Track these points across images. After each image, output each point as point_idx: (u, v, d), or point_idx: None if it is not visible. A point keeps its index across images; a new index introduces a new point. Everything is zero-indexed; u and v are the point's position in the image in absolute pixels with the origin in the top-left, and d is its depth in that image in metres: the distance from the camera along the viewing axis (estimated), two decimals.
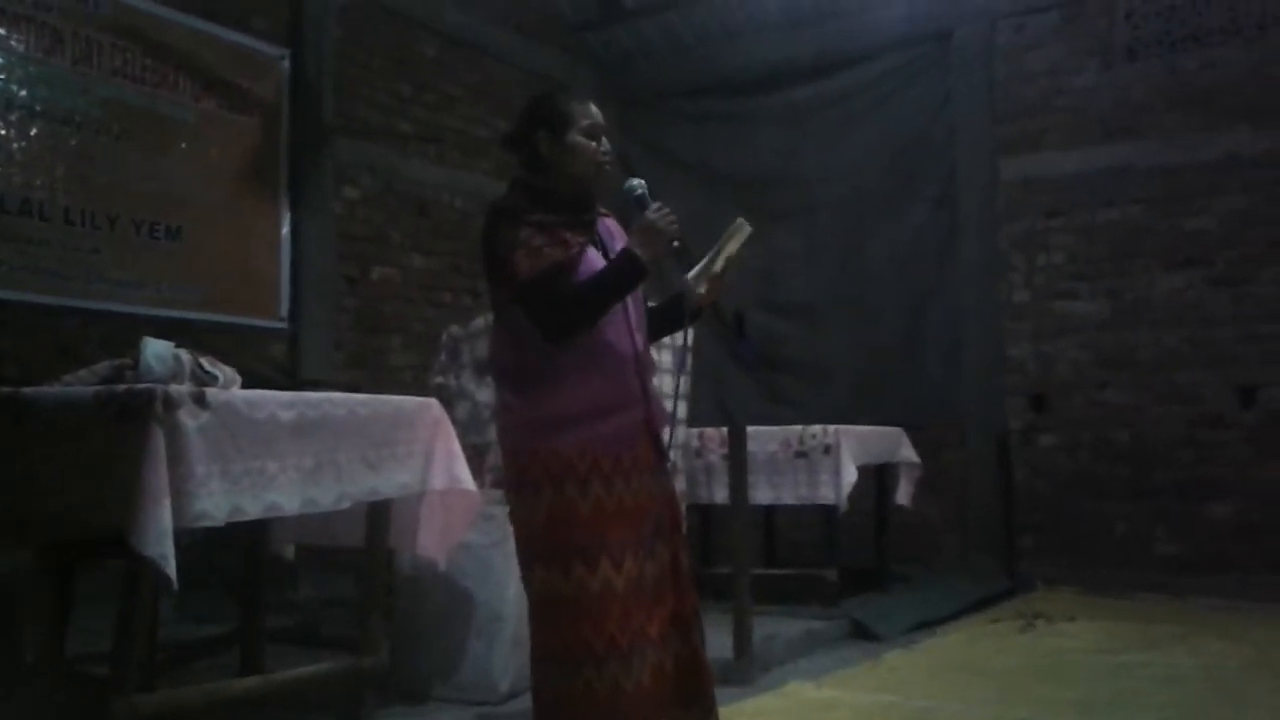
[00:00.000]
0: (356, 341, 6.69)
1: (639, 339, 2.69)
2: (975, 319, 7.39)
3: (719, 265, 2.67)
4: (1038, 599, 6.33)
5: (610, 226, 2.79)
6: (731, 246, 2.68)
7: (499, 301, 2.67)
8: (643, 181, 2.67)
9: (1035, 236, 7.27)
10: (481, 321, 5.00)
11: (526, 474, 2.62)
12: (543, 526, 2.58)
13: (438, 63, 7.41)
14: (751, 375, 7.87)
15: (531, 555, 2.63)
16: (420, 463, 3.52)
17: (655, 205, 2.59)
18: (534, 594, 2.62)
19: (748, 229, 2.70)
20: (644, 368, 2.70)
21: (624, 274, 2.56)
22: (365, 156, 6.82)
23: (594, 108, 2.71)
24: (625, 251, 2.57)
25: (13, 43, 5.03)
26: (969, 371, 7.38)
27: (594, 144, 2.67)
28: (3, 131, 4.98)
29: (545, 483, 2.58)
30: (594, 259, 2.63)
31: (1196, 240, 6.75)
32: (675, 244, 2.59)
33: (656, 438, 2.71)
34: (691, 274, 2.68)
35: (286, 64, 6.30)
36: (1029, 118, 7.32)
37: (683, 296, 2.72)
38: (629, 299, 2.66)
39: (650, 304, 2.82)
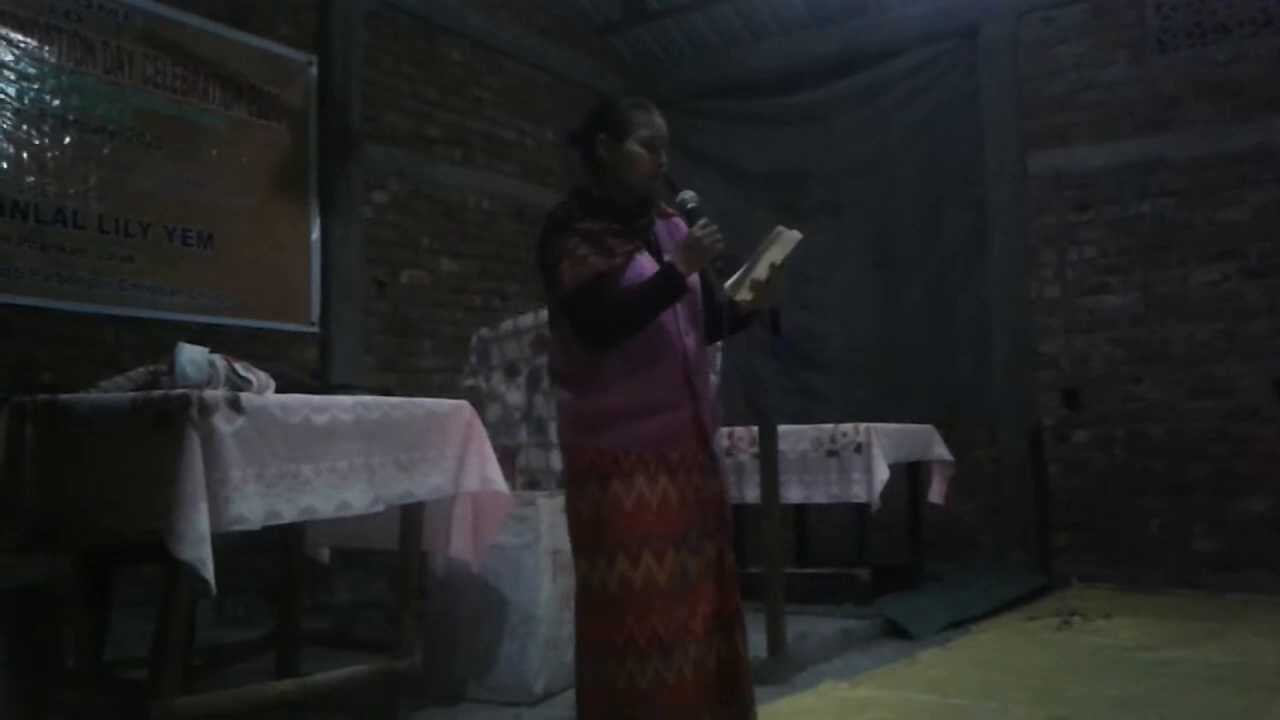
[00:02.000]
0: (387, 345, 6.71)
1: (690, 340, 2.73)
2: (1006, 315, 7.34)
3: (762, 272, 2.66)
4: (1073, 596, 6.28)
5: (675, 227, 2.81)
6: (775, 253, 2.67)
7: (552, 307, 2.75)
8: (694, 195, 2.73)
9: (1065, 231, 7.21)
10: (510, 324, 5.02)
11: (576, 469, 2.70)
12: (589, 520, 2.65)
13: (463, 67, 7.43)
14: (787, 371, 7.86)
15: (579, 548, 2.70)
16: (453, 465, 3.53)
17: (702, 221, 2.63)
18: (579, 587, 2.68)
19: (794, 236, 2.69)
20: (694, 368, 2.73)
21: (663, 288, 2.61)
22: (393, 161, 6.85)
23: (658, 119, 2.74)
24: (667, 265, 2.62)
25: (45, 53, 5.08)
26: (1000, 368, 7.34)
27: (651, 155, 2.70)
28: (36, 141, 5.03)
29: (592, 478, 2.65)
30: (644, 264, 2.68)
31: (1229, 232, 6.68)
32: (718, 262, 2.63)
33: (705, 437, 2.74)
34: (729, 282, 2.69)
35: (314, 70, 6.33)
36: (1057, 111, 7.26)
37: (735, 304, 2.74)
38: (682, 303, 2.70)
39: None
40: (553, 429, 4.69)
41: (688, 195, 2.72)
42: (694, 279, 2.74)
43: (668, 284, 2.61)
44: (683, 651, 2.55)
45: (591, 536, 2.64)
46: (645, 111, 2.74)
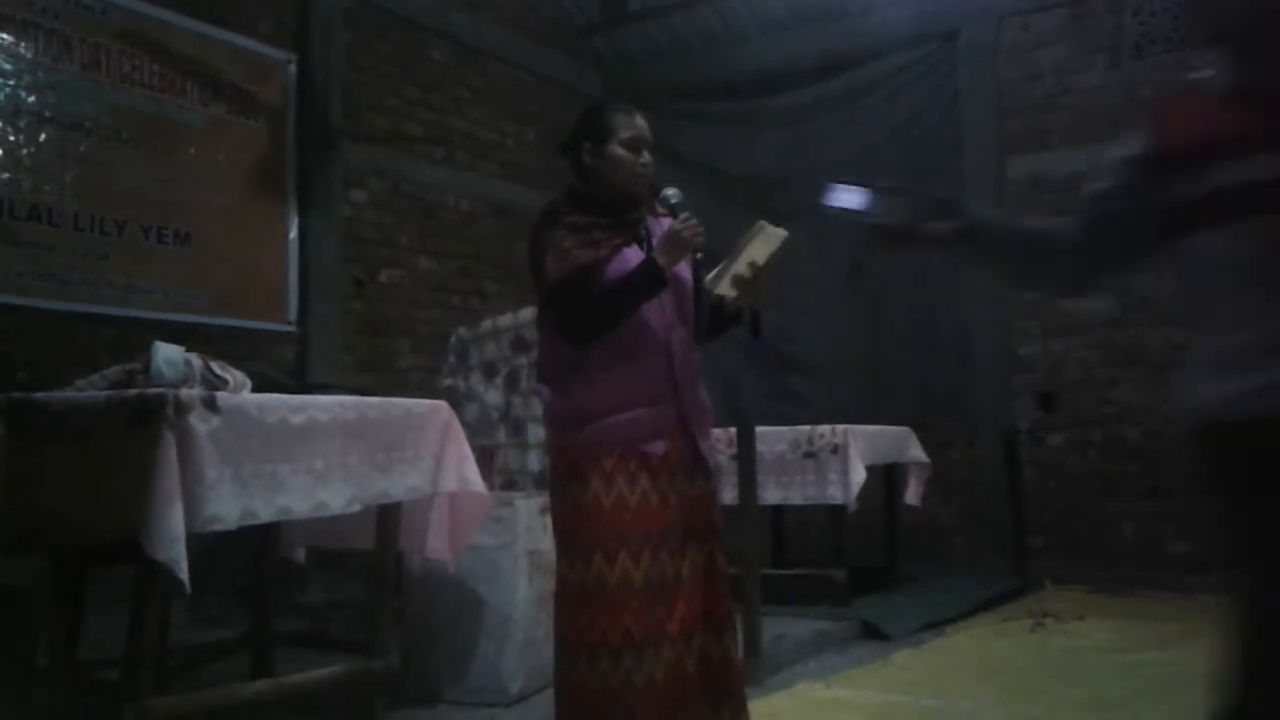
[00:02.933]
0: (364, 344, 6.69)
1: (675, 337, 2.74)
2: (984, 318, 7.38)
3: (744, 269, 2.67)
4: (1048, 598, 6.32)
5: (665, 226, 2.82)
6: (757, 249, 2.69)
7: (540, 302, 2.77)
8: (677, 191, 2.77)
9: None
10: (489, 324, 5.02)
11: (558, 467, 2.73)
12: (569, 518, 2.67)
13: (444, 66, 7.42)
14: (765, 373, 7.87)
15: (559, 546, 2.71)
16: (430, 465, 3.52)
17: (683, 215, 2.66)
18: (558, 584, 2.70)
19: (779, 233, 2.72)
20: (679, 366, 2.74)
21: (643, 280, 2.63)
22: (372, 160, 6.83)
23: (639, 120, 2.78)
24: (647, 259, 2.65)
25: (21, 49, 5.05)
26: (978, 370, 7.38)
27: (633, 156, 2.74)
28: (12, 138, 5.00)
29: (573, 476, 2.67)
30: (631, 258, 2.70)
31: None
32: (699, 255, 2.66)
33: (691, 436, 2.76)
34: (710, 276, 2.70)
35: (293, 68, 6.31)
36: (1036, 116, 7.31)
37: (721, 302, 2.75)
38: (670, 298, 2.71)
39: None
40: (531, 430, 4.69)
41: (670, 192, 2.75)
42: (685, 275, 2.77)
43: (648, 277, 2.62)
44: (655, 653, 2.56)
45: (570, 535, 2.66)
46: (626, 114, 2.78)
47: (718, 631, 2.72)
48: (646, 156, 2.76)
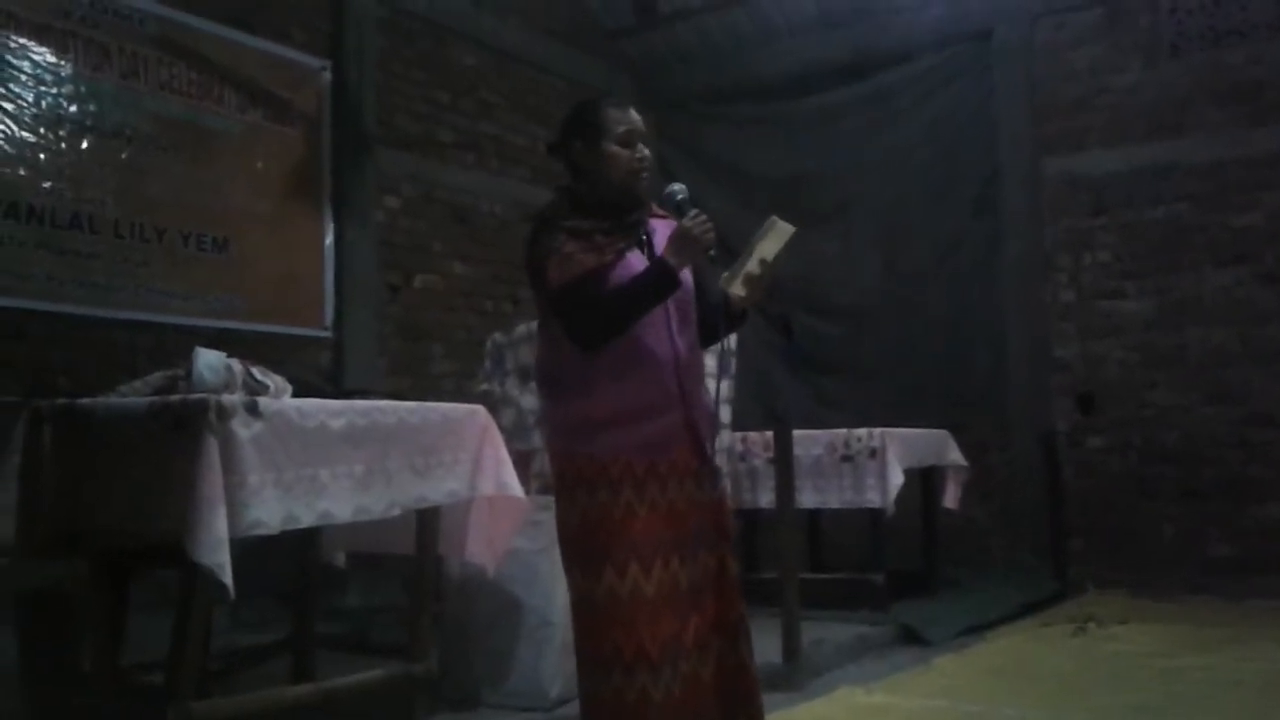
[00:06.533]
0: (400, 349, 6.72)
1: (680, 342, 2.66)
2: (1020, 319, 7.32)
3: (755, 266, 2.62)
4: (1089, 602, 6.26)
5: (670, 228, 2.76)
6: (768, 246, 2.62)
7: (540, 308, 2.69)
8: (683, 187, 2.68)
9: (1080, 235, 7.19)
10: (524, 328, 5.02)
11: (564, 478, 2.64)
12: (577, 530, 2.59)
13: (476, 71, 7.44)
14: (799, 378, 7.84)
15: (569, 559, 2.64)
16: (468, 469, 3.53)
17: (693, 213, 2.57)
18: (572, 598, 2.63)
19: (788, 229, 2.64)
20: (685, 371, 2.66)
21: (655, 282, 2.55)
22: (406, 165, 6.86)
23: (632, 113, 2.69)
24: (659, 260, 2.57)
25: (61, 60, 5.10)
26: (1015, 372, 7.32)
27: (629, 151, 2.64)
28: (53, 147, 5.05)
29: (580, 487, 2.59)
30: (634, 262, 2.62)
31: (1245, 237, 6.65)
32: (711, 253, 2.58)
33: (699, 442, 2.69)
34: (724, 275, 2.65)
35: (327, 75, 6.35)
36: (1071, 116, 7.24)
37: (728, 302, 2.71)
38: (672, 302, 2.64)
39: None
40: None
41: (676, 187, 2.67)
42: (687, 280, 2.68)
43: (660, 278, 2.54)
44: (672, 667, 2.49)
45: (579, 547, 2.58)
46: (619, 109, 2.69)
47: (731, 639, 2.64)
48: (643, 150, 2.67)
